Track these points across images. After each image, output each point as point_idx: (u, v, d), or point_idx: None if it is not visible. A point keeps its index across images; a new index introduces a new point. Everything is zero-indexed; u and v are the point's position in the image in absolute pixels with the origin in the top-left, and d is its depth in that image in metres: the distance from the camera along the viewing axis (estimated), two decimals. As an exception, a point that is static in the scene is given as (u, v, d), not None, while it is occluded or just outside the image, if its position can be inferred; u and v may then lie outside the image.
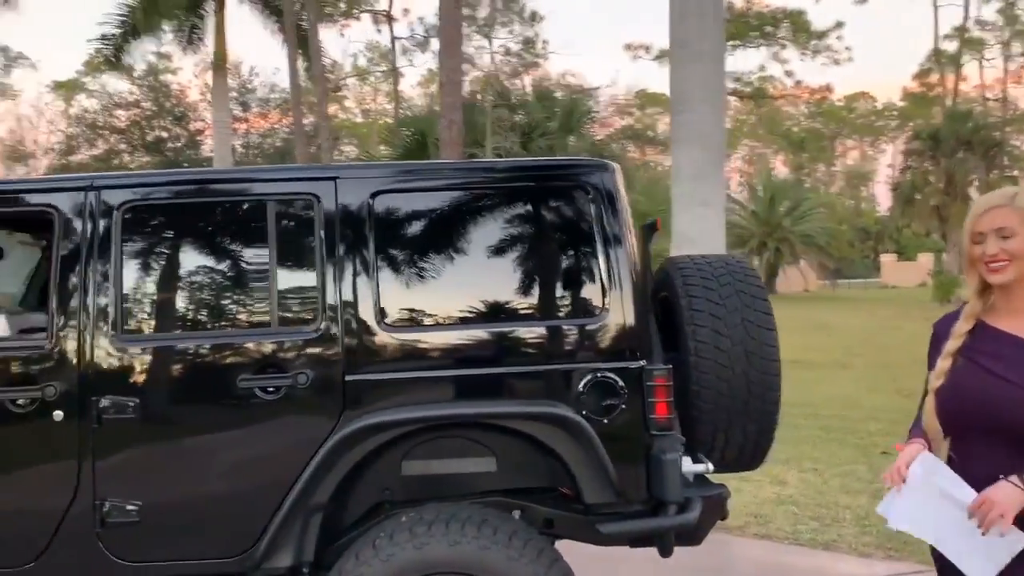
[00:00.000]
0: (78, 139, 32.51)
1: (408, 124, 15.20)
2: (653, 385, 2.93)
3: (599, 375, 2.92)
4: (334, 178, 3.05)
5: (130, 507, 2.85)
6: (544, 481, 3.13)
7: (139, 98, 31.80)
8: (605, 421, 2.90)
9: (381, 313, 2.95)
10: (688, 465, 3.03)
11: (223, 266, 3.06)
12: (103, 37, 24.41)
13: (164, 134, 31.71)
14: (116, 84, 34.63)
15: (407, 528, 2.73)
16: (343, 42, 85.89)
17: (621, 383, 2.92)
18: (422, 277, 3.07)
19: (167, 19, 24.93)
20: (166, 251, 3.05)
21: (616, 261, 3.00)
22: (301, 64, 21.59)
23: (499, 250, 3.09)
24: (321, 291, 2.93)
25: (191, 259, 3.06)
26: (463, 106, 13.00)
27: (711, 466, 3.08)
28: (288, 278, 3.01)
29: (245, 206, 3.10)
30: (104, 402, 2.83)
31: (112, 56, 24.66)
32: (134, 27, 23.78)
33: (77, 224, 2.96)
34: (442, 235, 3.10)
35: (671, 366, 3.00)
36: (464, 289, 3.06)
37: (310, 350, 2.90)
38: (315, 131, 23.18)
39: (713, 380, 3.12)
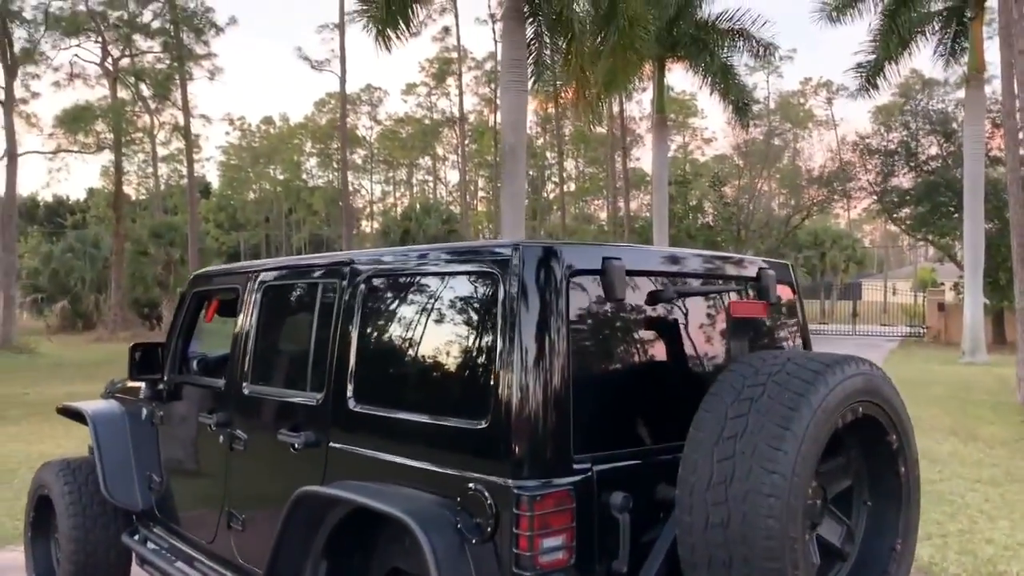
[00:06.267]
0: (854, 164, 33.88)
1: None
2: (516, 513, 2.44)
3: (472, 487, 2.58)
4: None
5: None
6: None
7: (908, 119, 31.48)
8: (473, 541, 2.54)
9: (353, 387, 3.14)
10: None
11: None
12: (858, 66, 25.16)
13: (934, 151, 30.69)
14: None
15: None
16: None
17: (490, 501, 2.52)
18: (382, 360, 3.15)
19: (920, 36, 24.33)
20: None
21: (509, 360, 2.58)
22: None
23: (418, 338, 3.01)
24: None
25: None
26: None
27: None
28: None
29: None
30: None
31: (865, 83, 25.18)
32: (887, 53, 23.89)
33: None
34: (384, 318, 3.18)
35: (549, 491, 2.44)
36: (387, 373, 3.09)
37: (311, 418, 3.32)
38: None
39: (689, 524, 2.41)
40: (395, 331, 3.17)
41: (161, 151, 52.54)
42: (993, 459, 9.64)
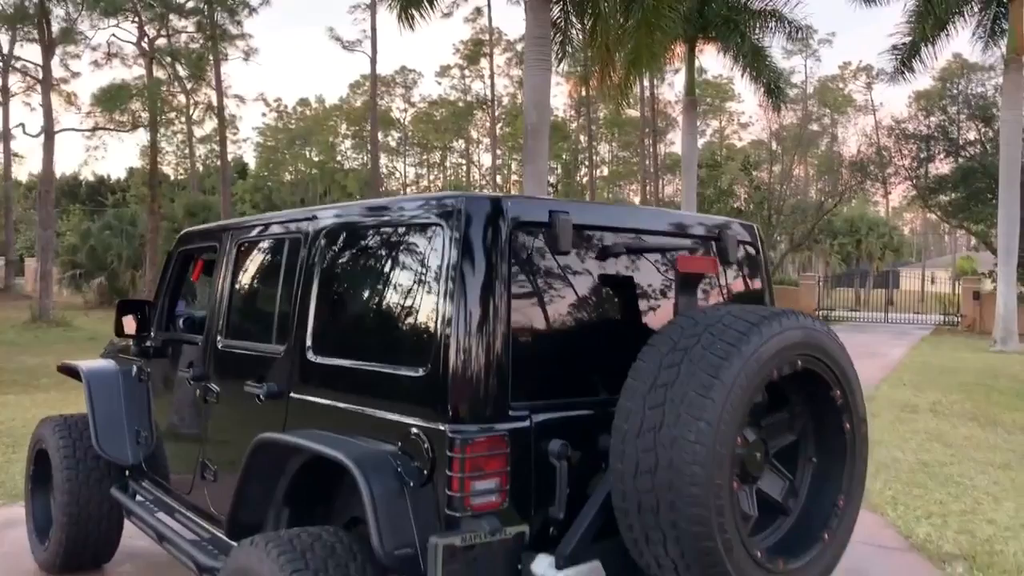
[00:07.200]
0: (889, 149, 33.28)
1: None
2: (450, 455, 2.48)
3: (413, 432, 2.62)
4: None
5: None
6: None
7: (946, 103, 30.85)
8: (411, 485, 2.59)
9: (312, 339, 3.21)
10: (541, 566, 2.46)
11: None
12: (893, 47, 24.69)
13: (972, 136, 30.05)
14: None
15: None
16: None
17: (428, 445, 2.57)
18: (338, 311, 3.24)
19: (958, 18, 23.77)
20: None
21: (448, 308, 2.62)
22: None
23: (369, 288, 3.10)
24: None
25: None
26: None
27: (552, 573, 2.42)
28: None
29: None
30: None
31: (900, 66, 24.72)
32: (922, 34, 23.39)
33: None
34: (340, 273, 3.26)
35: (482, 435, 2.49)
36: (341, 323, 3.19)
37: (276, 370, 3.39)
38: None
39: (621, 471, 2.44)
40: (349, 282, 3.24)
41: (198, 132, 53.17)
42: (1011, 444, 9.49)
